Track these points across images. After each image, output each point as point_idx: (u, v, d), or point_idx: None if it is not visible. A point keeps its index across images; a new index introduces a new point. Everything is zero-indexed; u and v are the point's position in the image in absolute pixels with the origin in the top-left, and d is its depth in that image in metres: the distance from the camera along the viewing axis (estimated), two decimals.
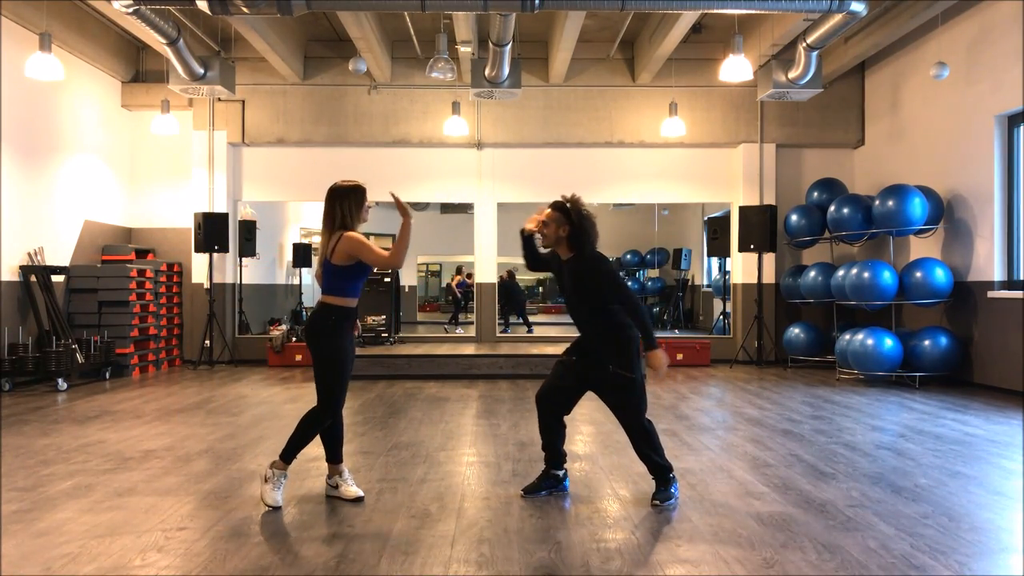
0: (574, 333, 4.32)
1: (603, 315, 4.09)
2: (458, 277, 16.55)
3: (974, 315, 8.56)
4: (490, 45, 8.44)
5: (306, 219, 16.41)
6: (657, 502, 4.03)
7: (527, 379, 9.19)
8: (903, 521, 3.73)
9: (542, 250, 4.39)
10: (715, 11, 7.83)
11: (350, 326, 4.09)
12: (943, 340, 8.52)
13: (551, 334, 12.81)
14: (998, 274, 8.30)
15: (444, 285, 19.16)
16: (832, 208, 9.82)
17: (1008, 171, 8.29)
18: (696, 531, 3.60)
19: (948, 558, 3.25)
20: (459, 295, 16.28)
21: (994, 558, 3.29)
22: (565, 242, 4.14)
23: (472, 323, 11.92)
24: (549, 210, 4.15)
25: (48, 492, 4.24)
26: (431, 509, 3.95)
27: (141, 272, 9.89)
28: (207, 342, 10.59)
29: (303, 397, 7.87)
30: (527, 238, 4.33)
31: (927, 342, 8.56)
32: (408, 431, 6.03)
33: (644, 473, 4.64)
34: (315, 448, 5.40)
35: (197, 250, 10.63)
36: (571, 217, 4.10)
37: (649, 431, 4.10)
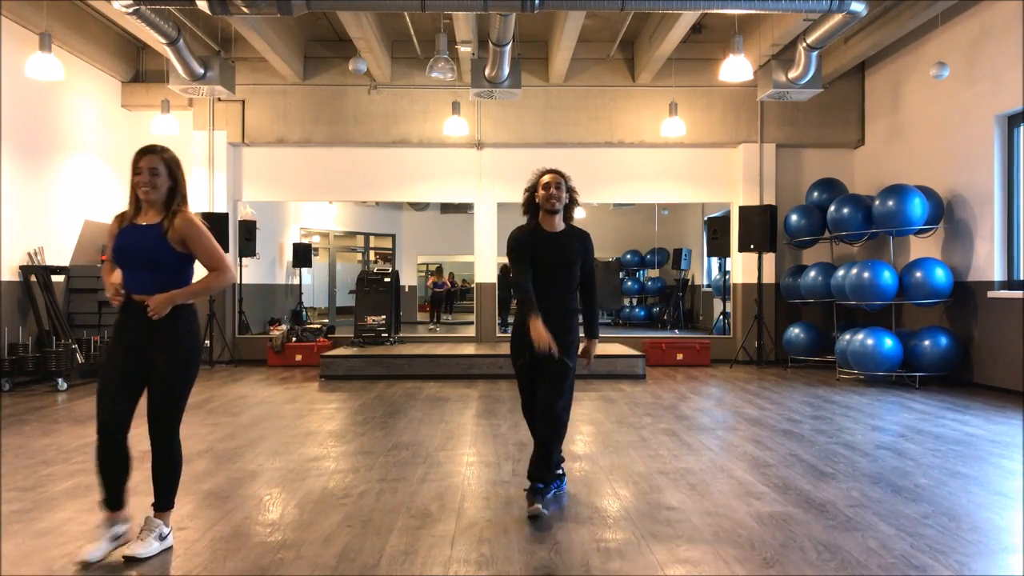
0: None
1: (576, 294, 4.05)
2: (433, 278, 16.81)
3: (974, 315, 8.56)
4: (490, 45, 8.44)
5: (306, 219, 16.43)
6: (540, 507, 3.75)
7: None
8: (903, 521, 3.73)
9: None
10: (715, 11, 7.83)
11: (121, 327, 3.35)
12: (943, 340, 8.51)
13: None
14: (998, 274, 8.30)
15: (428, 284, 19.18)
16: (832, 208, 9.81)
17: (1008, 171, 8.29)
18: (696, 531, 3.59)
19: (948, 558, 3.25)
20: (442, 294, 16.54)
21: (994, 558, 3.29)
22: (562, 212, 4.01)
23: (463, 323, 11.91)
24: (551, 175, 3.99)
25: (48, 492, 4.24)
26: (431, 509, 3.94)
27: None
28: (207, 342, 10.58)
29: (302, 397, 7.88)
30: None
31: (927, 342, 8.56)
32: (408, 431, 6.03)
33: (644, 473, 4.66)
34: (315, 448, 5.41)
35: None
36: (568, 184, 4.04)
37: (565, 423, 3.97)
